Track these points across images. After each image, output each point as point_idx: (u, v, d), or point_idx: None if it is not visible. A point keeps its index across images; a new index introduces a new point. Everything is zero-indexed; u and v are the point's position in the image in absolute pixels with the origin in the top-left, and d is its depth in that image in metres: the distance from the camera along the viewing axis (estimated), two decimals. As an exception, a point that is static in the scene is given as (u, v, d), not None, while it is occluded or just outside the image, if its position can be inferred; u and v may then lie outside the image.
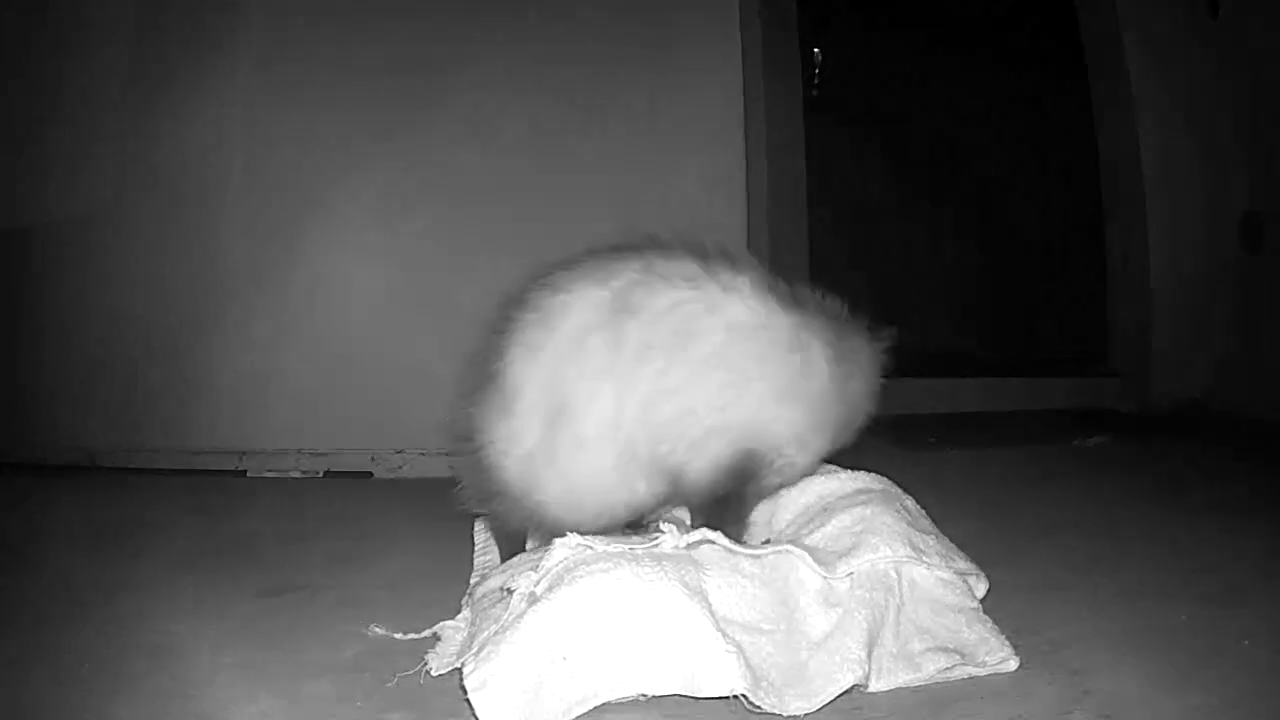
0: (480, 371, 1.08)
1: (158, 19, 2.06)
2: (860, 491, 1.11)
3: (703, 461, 1.02)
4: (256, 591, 1.21)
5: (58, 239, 2.08)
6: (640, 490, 1.04)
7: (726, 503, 1.05)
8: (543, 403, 1.02)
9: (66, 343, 2.09)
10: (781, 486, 1.12)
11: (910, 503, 1.11)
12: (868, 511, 1.04)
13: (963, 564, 1.03)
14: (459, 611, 1.03)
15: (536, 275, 1.09)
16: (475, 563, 1.22)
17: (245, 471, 2.04)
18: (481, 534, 1.28)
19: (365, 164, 2.06)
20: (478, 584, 1.10)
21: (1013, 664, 0.92)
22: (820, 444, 1.09)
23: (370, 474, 2.04)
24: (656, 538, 0.96)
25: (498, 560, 1.19)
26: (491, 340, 1.08)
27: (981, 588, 1.05)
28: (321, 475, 2.04)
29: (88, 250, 2.08)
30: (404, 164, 2.07)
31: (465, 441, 1.09)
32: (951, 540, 1.08)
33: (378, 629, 1.02)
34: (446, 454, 1.18)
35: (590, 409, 1.01)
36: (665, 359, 1.00)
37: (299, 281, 2.06)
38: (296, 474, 2.03)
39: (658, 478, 1.03)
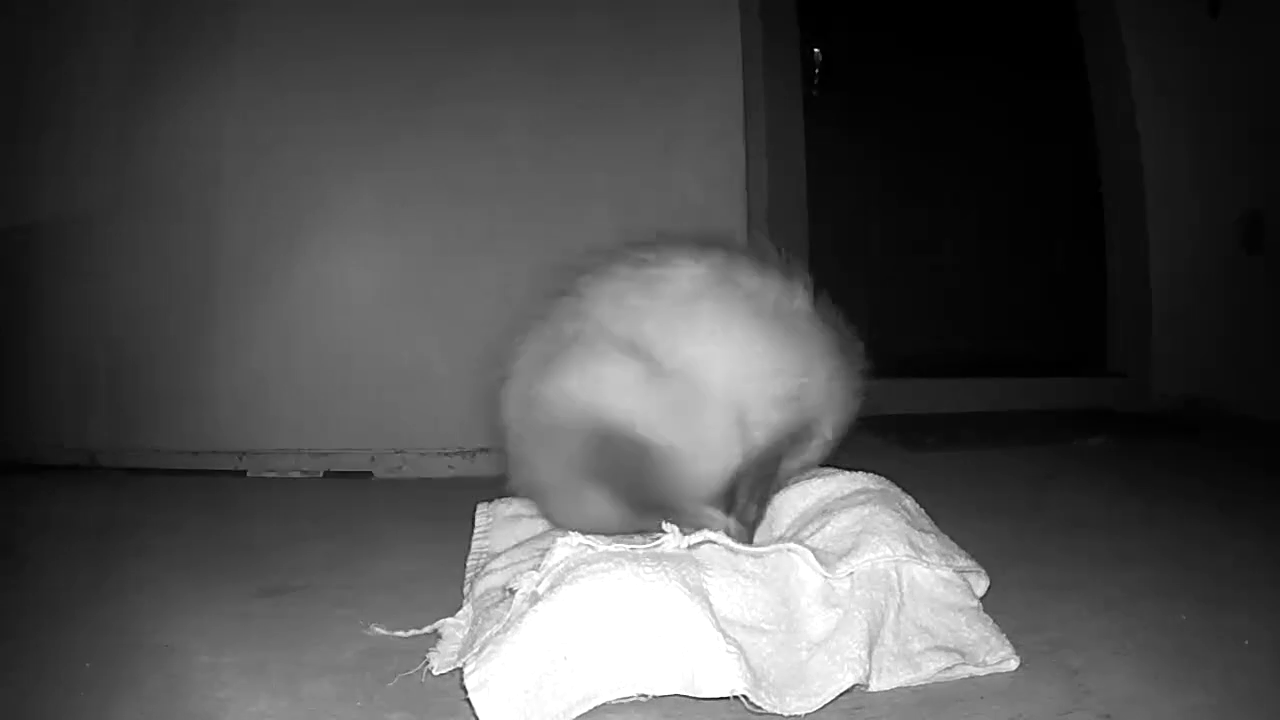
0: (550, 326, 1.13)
1: (158, 19, 2.06)
2: (860, 492, 1.11)
3: (779, 422, 1.13)
4: (256, 591, 1.21)
5: (58, 239, 2.08)
6: (737, 454, 1.11)
7: (762, 477, 1.14)
8: (652, 359, 1.08)
9: (66, 343, 2.09)
10: (804, 468, 1.21)
11: (910, 502, 1.11)
12: (867, 512, 1.04)
13: (963, 562, 1.03)
14: (459, 608, 1.03)
15: (611, 251, 1.16)
16: (473, 546, 1.23)
17: (245, 471, 2.04)
18: (483, 517, 1.29)
19: (365, 164, 2.06)
20: (476, 578, 1.10)
21: (1013, 663, 0.92)
22: (838, 430, 1.23)
23: (370, 474, 2.04)
24: (658, 537, 0.96)
25: (495, 546, 1.20)
26: (562, 306, 1.14)
27: (982, 585, 1.05)
28: (321, 475, 2.04)
29: (88, 250, 2.08)
30: (404, 164, 2.07)
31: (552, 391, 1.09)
32: (952, 540, 1.08)
33: (379, 629, 1.02)
34: (547, 407, 1.11)
35: (708, 369, 1.08)
36: (768, 325, 1.12)
37: (299, 281, 2.06)
38: (296, 474, 2.03)
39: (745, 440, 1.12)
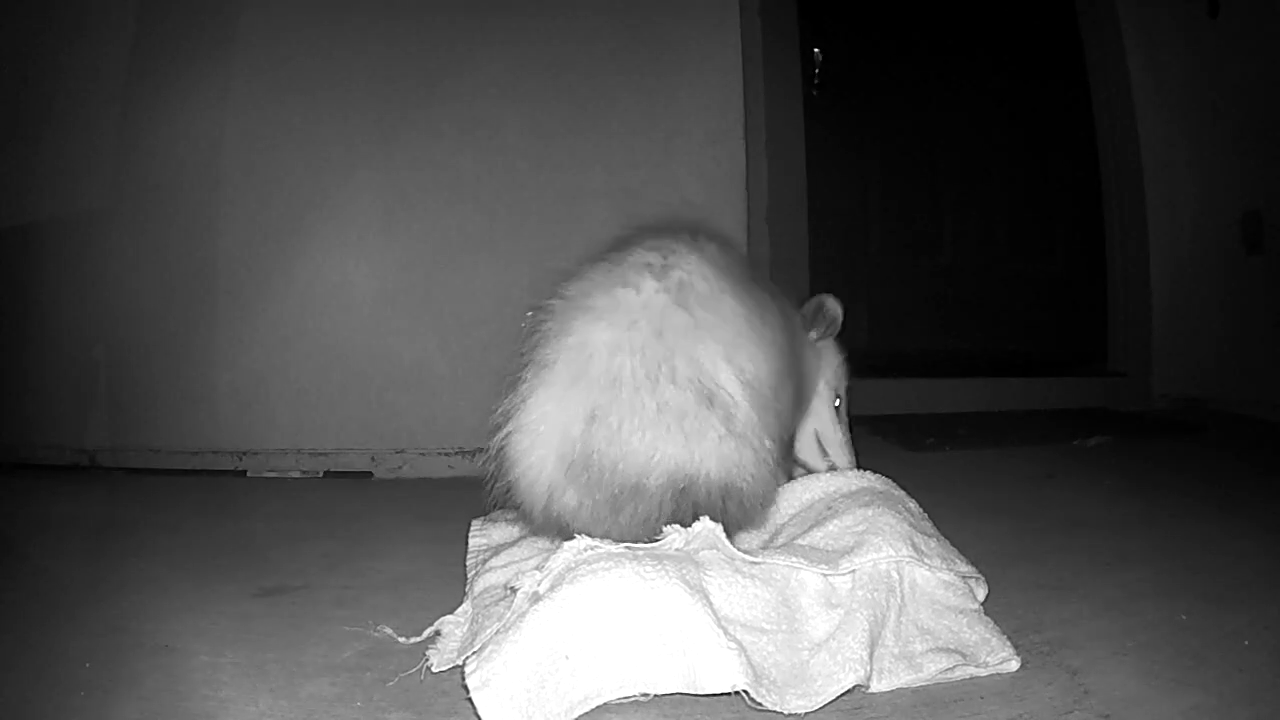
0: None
1: (158, 20, 2.06)
2: (864, 491, 1.12)
3: (787, 402, 1.14)
4: (256, 591, 1.21)
5: (58, 238, 2.08)
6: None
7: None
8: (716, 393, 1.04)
9: (66, 342, 2.09)
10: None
11: (913, 505, 1.11)
12: (870, 512, 1.04)
13: (964, 567, 1.03)
14: (460, 606, 1.03)
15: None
16: (470, 544, 1.23)
17: (245, 471, 2.04)
18: (479, 518, 1.29)
19: (365, 164, 2.06)
20: (476, 575, 1.10)
21: (1014, 664, 0.92)
22: (838, 381, 1.36)
23: (370, 474, 2.04)
24: (659, 538, 0.96)
25: (492, 542, 1.20)
26: (570, 333, 1.06)
27: (981, 592, 1.05)
28: (321, 475, 2.04)
29: (87, 250, 2.08)
30: (404, 164, 2.07)
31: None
32: (952, 541, 1.08)
33: (386, 629, 1.02)
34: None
35: (758, 379, 1.05)
36: (762, 306, 1.11)
37: (299, 281, 2.06)
38: (296, 474, 2.03)
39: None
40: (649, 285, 1.05)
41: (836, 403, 1.33)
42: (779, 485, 1.11)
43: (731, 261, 1.12)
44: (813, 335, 1.31)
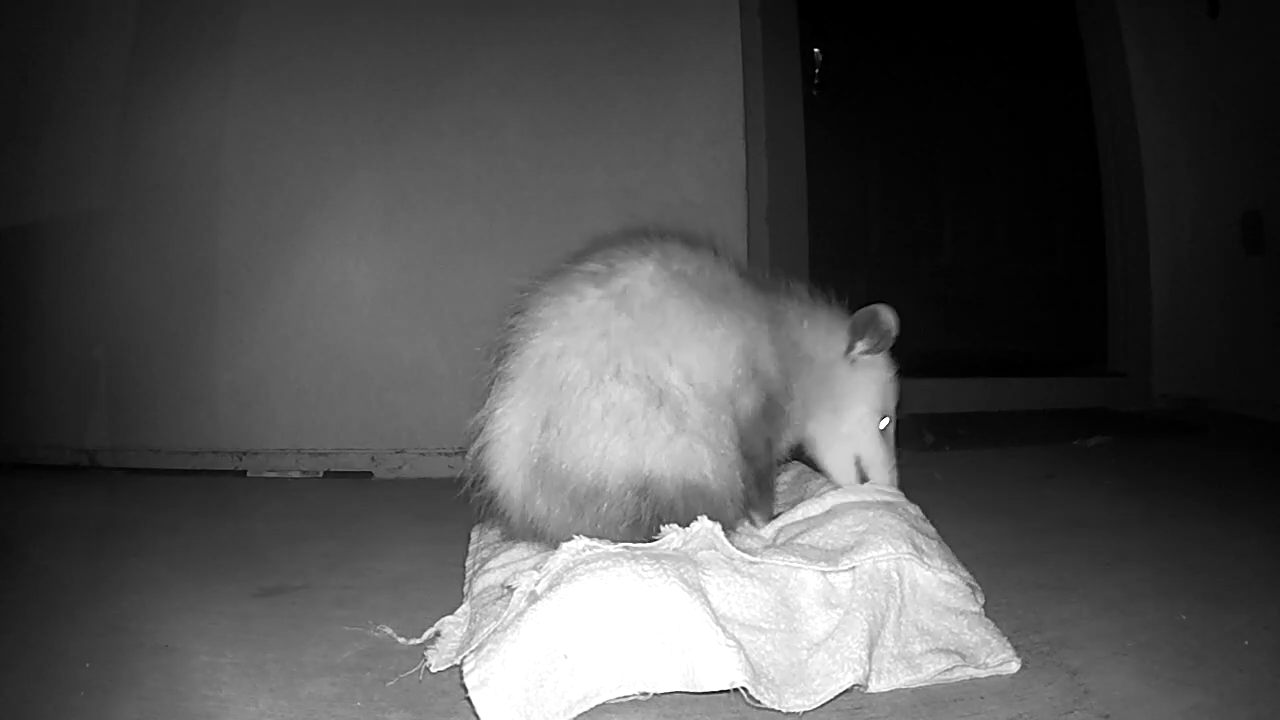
0: None
1: (158, 20, 2.06)
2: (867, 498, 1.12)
3: (750, 406, 1.12)
4: (256, 591, 1.21)
5: (58, 238, 2.09)
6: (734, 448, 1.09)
7: (752, 458, 1.13)
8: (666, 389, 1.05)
9: (66, 342, 2.09)
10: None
11: (914, 509, 1.11)
12: (871, 514, 1.04)
13: (963, 573, 1.03)
14: (459, 607, 1.03)
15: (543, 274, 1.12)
16: (470, 544, 1.23)
17: (245, 471, 2.04)
18: (479, 524, 1.29)
19: (365, 164, 2.06)
20: (475, 575, 1.10)
21: (1014, 665, 0.92)
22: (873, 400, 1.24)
23: (370, 474, 2.04)
24: (658, 538, 0.96)
25: (491, 542, 1.21)
26: (527, 344, 1.08)
27: (978, 602, 1.05)
28: (321, 475, 2.04)
29: (87, 250, 2.08)
30: (404, 164, 2.07)
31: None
32: (952, 540, 1.08)
33: (386, 629, 1.02)
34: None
35: (704, 375, 1.06)
36: (718, 306, 1.10)
37: (299, 281, 2.06)
38: (296, 474, 2.03)
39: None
40: (592, 293, 1.06)
41: (884, 424, 1.21)
42: (750, 485, 1.10)
43: (695, 266, 1.11)
44: (859, 348, 1.21)
